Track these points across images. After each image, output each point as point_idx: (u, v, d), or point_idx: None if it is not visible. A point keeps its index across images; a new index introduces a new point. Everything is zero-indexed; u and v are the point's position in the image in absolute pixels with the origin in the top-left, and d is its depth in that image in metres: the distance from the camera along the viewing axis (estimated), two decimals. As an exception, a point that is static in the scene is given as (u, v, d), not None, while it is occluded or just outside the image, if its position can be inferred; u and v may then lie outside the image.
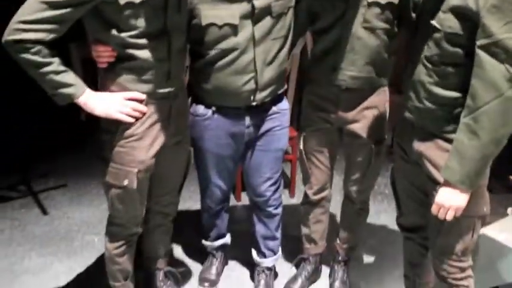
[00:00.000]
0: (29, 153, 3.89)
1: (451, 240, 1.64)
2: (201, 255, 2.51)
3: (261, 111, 1.97)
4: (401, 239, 2.01)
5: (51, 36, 1.50)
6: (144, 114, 1.69)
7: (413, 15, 1.74)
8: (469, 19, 1.41)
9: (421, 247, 1.91)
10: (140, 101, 1.67)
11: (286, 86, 2.08)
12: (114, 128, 1.69)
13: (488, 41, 1.37)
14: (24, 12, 1.47)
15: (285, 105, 2.06)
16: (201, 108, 1.96)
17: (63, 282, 2.41)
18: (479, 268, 2.00)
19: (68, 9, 1.48)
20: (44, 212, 3.12)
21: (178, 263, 2.55)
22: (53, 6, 1.46)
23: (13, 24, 1.47)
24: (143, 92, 1.67)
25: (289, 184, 3.33)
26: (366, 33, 1.81)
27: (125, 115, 1.65)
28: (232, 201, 3.16)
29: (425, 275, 1.97)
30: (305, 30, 2.05)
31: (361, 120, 1.96)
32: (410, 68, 1.65)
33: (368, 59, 1.85)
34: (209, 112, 1.95)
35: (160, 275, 2.23)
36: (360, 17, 1.79)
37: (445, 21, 1.47)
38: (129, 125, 1.68)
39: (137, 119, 1.68)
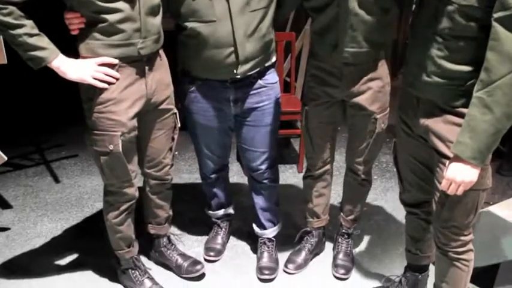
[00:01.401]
0: (43, 125, 3.99)
1: (455, 213, 1.64)
2: (207, 226, 2.56)
3: (246, 85, 1.97)
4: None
5: None
6: (117, 79, 1.72)
7: None
8: None
9: (424, 221, 1.92)
10: (112, 66, 1.70)
11: (274, 59, 2.06)
12: (91, 95, 1.73)
13: (506, 13, 1.34)
14: None
15: (272, 78, 2.04)
16: (187, 81, 1.99)
17: (73, 246, 2.48)
18: (483, 245, 2.01)
19: None
20: (56, 180, 3.20)
21: (184, 233, 2.61)
22: None
23: None
24: (114, 57, 1.69)
25: (297, 159, 3.34)
26: (362, 11, 1.78)
27: (98, 80, 1.68)
28: (241, 175, 3.20)
29: (427, 249, 1.98)
30: (296, 4, 2.01)
31: (365, 92, 1.95)
32: (413, 42, 1.62)
33: (367, 34, 1.83)
34: (194, 86, 1.98)
35: (163, 241, 2.28)
36: None
37: None
38: (104, 90, 1.71)
39: (110, 83, 1.71)
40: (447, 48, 1.51)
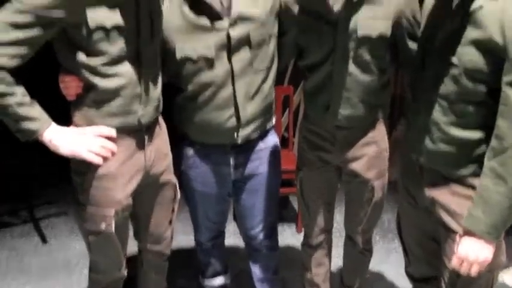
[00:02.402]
0: (34, 179, 3.87)
1: None
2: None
3: (247, 149, 1.88)
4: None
5: (16, 61, 1.37)
6: (113, 153, 1.56)
7: (414, 46, 1.64)
8: (494, 53, 1.31)
9: (433, 299, 1.79)
10: (111, 138, 1.55)
11: (274, 120, 1.99)
12: (84, 169, 1.57)
13: None
14: None
15: (273, 140, 1.96)
16: (184, 145, 1.88)
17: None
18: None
19: (35, 30, 1.37)
20: (44, 240, 3.06)
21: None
22: (18, 26, 1.35)
23: None
24: (112, 126, 1.55)
25: (295, 218, 3.22)
26: (358, 69, 1.71)
27: (94, 154, 1.51)
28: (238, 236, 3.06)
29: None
30: (290, 58, 1.95)
31: (361, 158, 1.85)
32: (415, 106, 1.54)
33: (362, 95, 1.74)
34: (192, 150, 1.87)
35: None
36: (350, 51, 1.69)
37: (465, 56, 1.36)
38: (99, 164, 1.55)
39: (106, 158, 1.55)
40: (454, 113, 1.42)
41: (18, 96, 1.40)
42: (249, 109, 1.77)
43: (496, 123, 1.33)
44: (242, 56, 1.70)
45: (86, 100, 1.53)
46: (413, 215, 1.67)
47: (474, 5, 1.35)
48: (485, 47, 1.32)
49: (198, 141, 1.85)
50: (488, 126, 1.36)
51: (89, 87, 1.51)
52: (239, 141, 1.82)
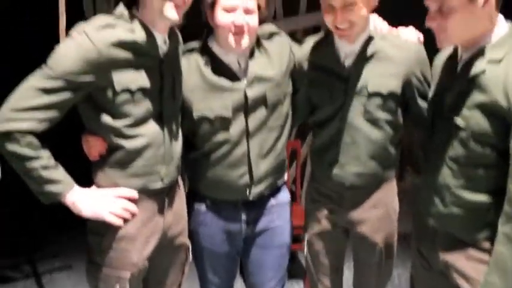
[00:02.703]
0: (37, 231, 3.82)
1: None
2: None
3: (258, 206, 1.85)
4: None
5: (44, 125, 1.41)
6: (134, 214, 1.55)
7: (424, 105, 1.65)
8: (500, 116, 1.31)
9: None
10: (132, 200, 1.55)
11: (286, 177, 1.97)
12: (103, 230, 1.56)
13: None
14: (16, 99, 1.38)
15: (285, 197, 1.94)
16: (195, 202, 1.86)
17: None
18: None
19: (64, 95, 1.40)
20: (46, 298, 2.99)
21: None
22: (47, 91, 1.39)
23: (4, 112, 1.38)
24: (135, 188, 1.55)
25: (303, 274, 3.12)
26: (368, 125, 1.71)
27: (115, 216, 1.51)
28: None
29: None
30: (303, 118, 1.95)
31: (368, 221, 1.81)
32: (426, 166, 1.53)
33: (372, 153, 1.73)
34: (203, 206, 1.84)
35: None
36: (360, 107, 1.70)
37: (471, 119, 1.36)
38: (119, 226, 1.54)
39: (127, 220, 1.54)
40: (464, 177, 1.41)
41: (44, 159, 1.43)
42: (262, 167, 1.77)
43: (507, 187, 1.31)
44: (258, 115, 1.72)
45: (109, 161, 1.53)
46: (427, 278, 1.61)
47: (477, 69, 1.36)
48: (490, 110, 1.33)
49: (209, 197, 1.83)
50: (501, 190, 1.34)
51: (113, 148, 1.52)
52: (251, 198, 1.80)
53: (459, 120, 1.39)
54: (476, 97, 1.35)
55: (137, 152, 1.53)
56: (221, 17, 1.65)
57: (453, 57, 1.50)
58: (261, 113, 1.73)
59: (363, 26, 1.67)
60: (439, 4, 1.35)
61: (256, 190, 1.79)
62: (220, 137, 1.71)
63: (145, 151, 1.54)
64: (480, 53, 1.37)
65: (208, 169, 1.76)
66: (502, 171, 1.33)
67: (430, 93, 1.62)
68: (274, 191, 1.89)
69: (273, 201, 1.88)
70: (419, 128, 1.77)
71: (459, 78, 1.42)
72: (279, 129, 1.79)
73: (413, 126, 1.84)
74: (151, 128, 1.55)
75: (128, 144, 1.51)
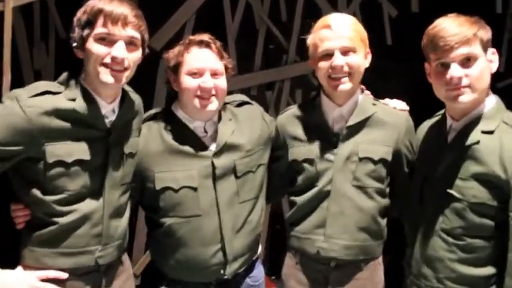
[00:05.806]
0: None
1: None
2: None
3: (233, 285, 1.69)
4: None
5: None
6: None
7: (406, 175, 1.62)
8: (497, 186, 1.30)
9: None
10: (59, 280, 1.38)
11: (260, 249, 1.84)
12: None
13: None
14: None
15: (259, 273, 1.80)
16: (161, 287, 1.65)
17: None
18: None
19: None
20: None
21: None
22: None
23: None
24: (65, 268, 1.39)
25: None
26: (357, 193, 1.62)
27: None
28: None
29: None
30: (283, 193, 1.87)
31: None
32: (418, 239, 1.46)
33: (362, 223, 1.63)
34: None
35: None
36: (349, 174, 1.61)
37: (468, 190, 1.34)
38: None
39: None
40: (461, 250, 1.36)
41: None
42: (236, 243, 1.63)
43: (507, 259, 1.28)
44: (228, 186, 1.61)
45: (35, 238, 1.38)
46: None
47: (471, 140, 1.36)
48: (487, 180, 1.32)
49: (178, 280, 1.65)
50: (500, 261, 1.31)
51: (40, 224, 1.38)
52: (226, 277, 1.64)
53: (455, 192, 1.37)
54: (472, 168, 1.34)
55: (68, 229, 1.39)
56: (187, 81, 1.57)
57: (440, 128, 1.50)
58: (231, 183, 1.62)
59: (356, 81, 1.63)
60: (467, 52, 1.33)
61: (231, 269, 1.65)
62: (187, 210, 1.57)
63: (78, 229, 1.40)
64: (474, 123, 1.37)
65: (177, 249, 1.60)
66: (502, 241, 1.31)
67: (417, 165, 1.60)
68: (249, 268, 1.75)
69: (248, 281, 1.74)
70: (398, 198, 1.70)
71: (452, 149, 1.41)
72: (252, 201, 1.68)
73: (395, 198, 1.76)
74: (88, 204, 1.42)
75: (60, 220, 1.38)
